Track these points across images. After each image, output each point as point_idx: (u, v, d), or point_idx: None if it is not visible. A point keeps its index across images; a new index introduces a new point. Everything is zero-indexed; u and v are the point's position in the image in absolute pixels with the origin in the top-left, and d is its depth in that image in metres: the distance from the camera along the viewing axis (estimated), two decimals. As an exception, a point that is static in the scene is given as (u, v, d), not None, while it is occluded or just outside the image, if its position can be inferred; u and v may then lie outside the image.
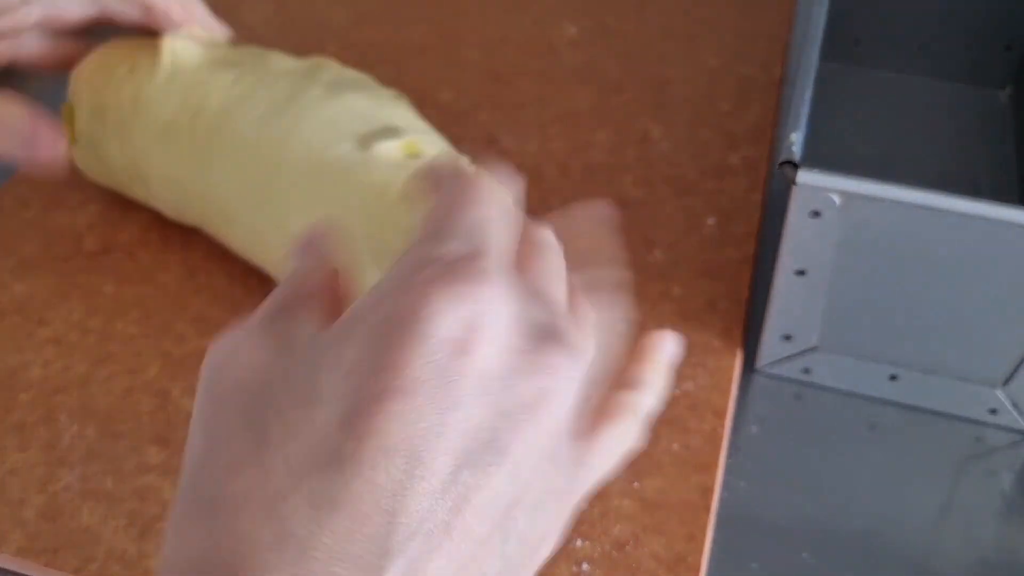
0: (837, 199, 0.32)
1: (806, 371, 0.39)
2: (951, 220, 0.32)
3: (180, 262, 0.42)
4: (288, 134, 0.37)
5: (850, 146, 0.49)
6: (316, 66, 0.40)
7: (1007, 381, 0.37)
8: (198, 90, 0.39)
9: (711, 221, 0.44)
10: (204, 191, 0.39)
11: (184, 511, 0.20)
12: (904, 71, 0.53)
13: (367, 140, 0.37)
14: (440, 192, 0.24)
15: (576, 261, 0.25)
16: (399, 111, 0.39)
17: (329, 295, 0.23)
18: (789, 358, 0.39)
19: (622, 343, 0.25)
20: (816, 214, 0.33)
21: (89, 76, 0.42)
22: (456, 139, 0.48)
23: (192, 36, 0.41)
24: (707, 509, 0.34)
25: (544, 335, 0.21)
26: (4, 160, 0.37)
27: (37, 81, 0.55)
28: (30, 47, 0.42)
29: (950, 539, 0.35)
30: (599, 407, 0.24)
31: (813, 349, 0.38)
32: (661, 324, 0.40)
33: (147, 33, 0.42)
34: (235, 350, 0.21)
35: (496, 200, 0.24)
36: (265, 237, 0.38)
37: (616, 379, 0.25)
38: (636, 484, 0.35)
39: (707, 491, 0.34)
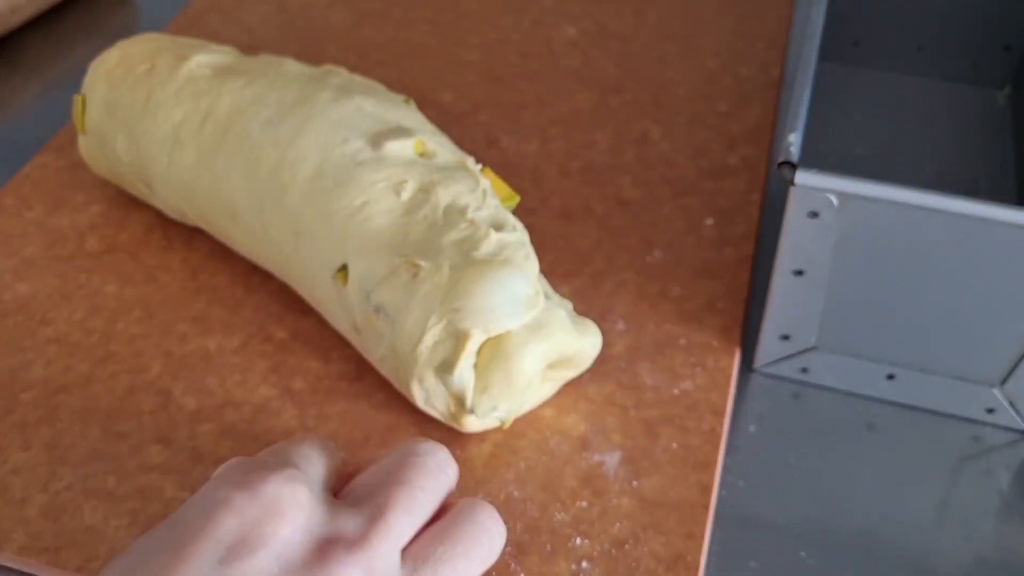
0: (835, 199, 0.33)
1: (804, 371, 0.39)
2: (949, 220, 0.32)
3: (182, 262, 0.43)
4: (297, 134, 0.37)
5: (848, 146, 0.49)
6: (326, 72, 0.41)
7: (1004, 380, 0.37)
8: (210, 95, 0.39)
9: (710, 221, 0.45)
10: (210, 190, 0.39)
11: None
12: (902, 71, 0.53)
13: (378, 139, 0.37)
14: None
15: None
16: (408, 113, 0.40)
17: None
18: (787, 358, 0.39)
19: None
20: (814, 214, 0.33)
21: (107, 70, 0.42)
22: (457, 140, 0.49)
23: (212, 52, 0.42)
24: (706, 508, 0.34)
25: (329, 540, 0.24)
26: None
27: (48, 68, 0.56)
28: None
29: (948, 538, 0.35)
30: None
31: (811, 349, 0.38)
32: (660, 324, 0.40)
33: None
34: None
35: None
36: (271, 236, 0.38)
37: None
38: (635, 483, 0.35)
39: (706, 490, 0.35)
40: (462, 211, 0.35)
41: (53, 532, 0.33)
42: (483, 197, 0.36)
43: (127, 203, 0.45)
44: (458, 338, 0.33)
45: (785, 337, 0.38)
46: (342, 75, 0.41)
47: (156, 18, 0.59)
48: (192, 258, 0.43)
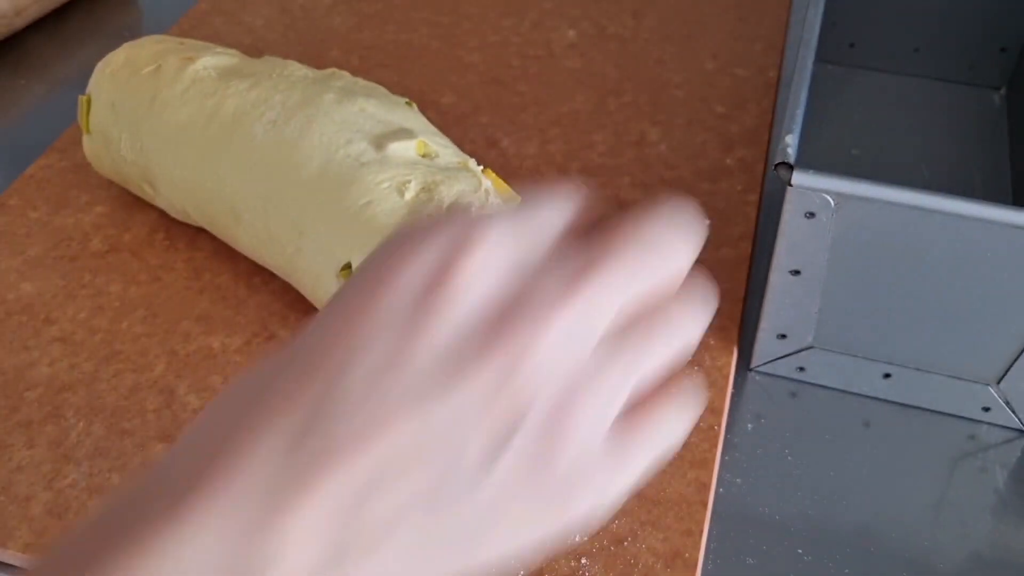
0: (832, 200, 0.33)
1: (801, 369, 0.40)
2: (945, 221, 0.32)
3: (185, 262, 0.43)
4: (301, 136, 0.38)
5: (845, 147, 0.50)
6: (330, 75, 0.41)
7: (1000, 379, 0.37)
8: (215, 96, 0.40)
9: (707, 222, 0.45)
10: (213, 191, 0.39)
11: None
12: (899, 73, 0.53)
13: (381, 141, 0.37)
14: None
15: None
16: (410, 115, 0.40)
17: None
18: (784, 357, 0.39)
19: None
20: (811, 215, 0.33)
21: (113, 71, 0.43)
22: (457, 141, 0.49)
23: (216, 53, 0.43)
24: (704, 505, 0.34)
25: (528, 293, 0.21)
26: None
27: (52, 70, 0.56)
28: None
29: (944, 535, 0.35)
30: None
31: (808, 348, 0.39)
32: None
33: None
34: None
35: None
36: (274, 236, 0.38)
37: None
38: (634, 480, 0.35)
39: (704, 487, 0.35)
40: (465, 210, 0.35)
41: (58, 529, 0.33)
42: (485, 197, 0.36)
43: (131, 204, 0.45)
44: None
45: (782, 336, 0.39)
46: (345, 78, 0.42)
47: (160, 20, 0.59)
48: (196, 258, 0.43)
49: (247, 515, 0.18)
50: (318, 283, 0.37)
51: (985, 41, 0.51)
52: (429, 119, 0.50)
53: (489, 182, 0.37)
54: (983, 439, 0.38)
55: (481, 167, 0.38)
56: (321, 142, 0.37)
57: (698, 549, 0.33)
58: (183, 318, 0.40)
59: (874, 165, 0.49)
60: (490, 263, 0.21)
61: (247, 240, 0.40)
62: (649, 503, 0.34)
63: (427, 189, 0.36)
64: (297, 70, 0.41)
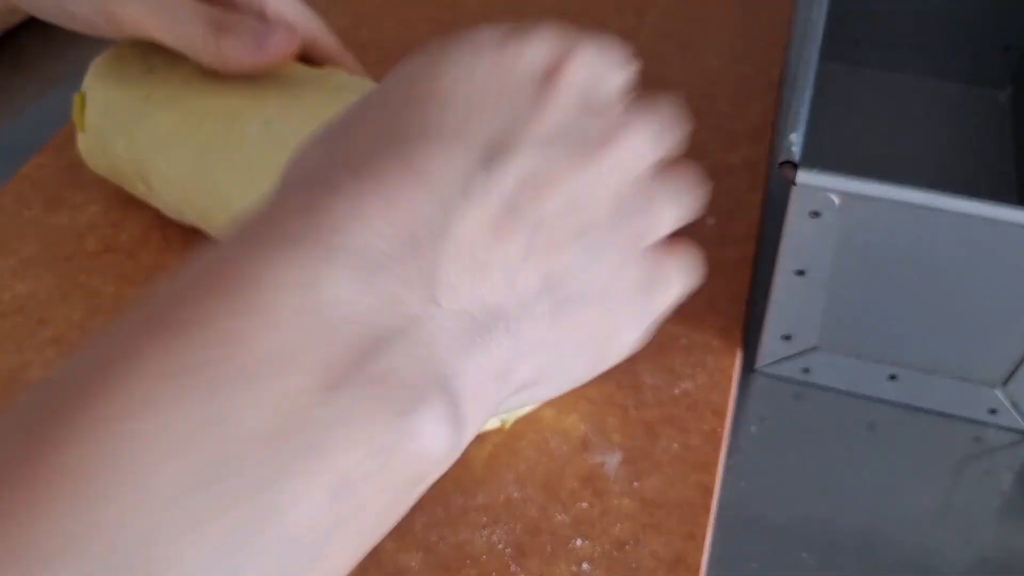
0: (836, 199, 0.33)
1: (806, 371, 0.39)
2: (950, 220, 0.32)
3: (181, 262, 0.42)
4: (295, 135, 0.37)
5: (850, 146, 0.49)
6: (326, 73, 0.41)
7: (1007, 381, 0.37)
8: (208, 96, 0.39)
9: (711, 221, 0.44)
10: (207, 190, 0.39)
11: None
12: (904, 71, 0.53)
13: None
14: None
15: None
16: None
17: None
18: (789, 358, 0.39)
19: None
20: (815, 214, 0.33)
21: (106, 70, 0.42)
22: (456, 139, 0.48)
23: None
24: (707, 509, 0.34)
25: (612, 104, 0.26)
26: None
27: (47, 68, 0.56)
28: None
29: (949, 539, 0.35)
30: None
31: (813, 349, 0.38)
32: (661, 323, 0.40)
33: None
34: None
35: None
36: None
37: None
38: (636, 483, 0.35)
39: (707, 490, 0.35)
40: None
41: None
42: None
43: (126, 203, 0.45)
44: None
45: (786, 337, 0.38)
46: (341, 76, 0.41)
47: (155, 17, 0.58)
48: (190, 258, 0.43)
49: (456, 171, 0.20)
50: None
51: (991, 39, 0.51)
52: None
53: None
54: (989, 441, 0.38)
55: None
56: None
57: (700, 553, 0.33)
58: (179, 319, 0.40)
59: (879, 164, 0.48)
60: (590, 66, 0.25)
61: None
62: (651, 506, 0.34)
63: None
64: (292, 69, 0.41)
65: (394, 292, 0.18)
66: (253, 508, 0.16)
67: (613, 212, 0.23)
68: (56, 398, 0.17)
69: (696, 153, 0.49)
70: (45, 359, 0.39)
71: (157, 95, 0.40)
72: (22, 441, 0.16)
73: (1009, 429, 0.38)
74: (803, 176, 0.32)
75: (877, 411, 0.39)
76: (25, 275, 0.42)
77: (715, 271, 0.42)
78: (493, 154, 0.21)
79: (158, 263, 0.42)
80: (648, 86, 0.52)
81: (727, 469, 0.37)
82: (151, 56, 0.42)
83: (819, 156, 0.34)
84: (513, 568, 0.32)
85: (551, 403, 0.37)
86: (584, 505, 0.34)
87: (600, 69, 0.26)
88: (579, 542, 0.33)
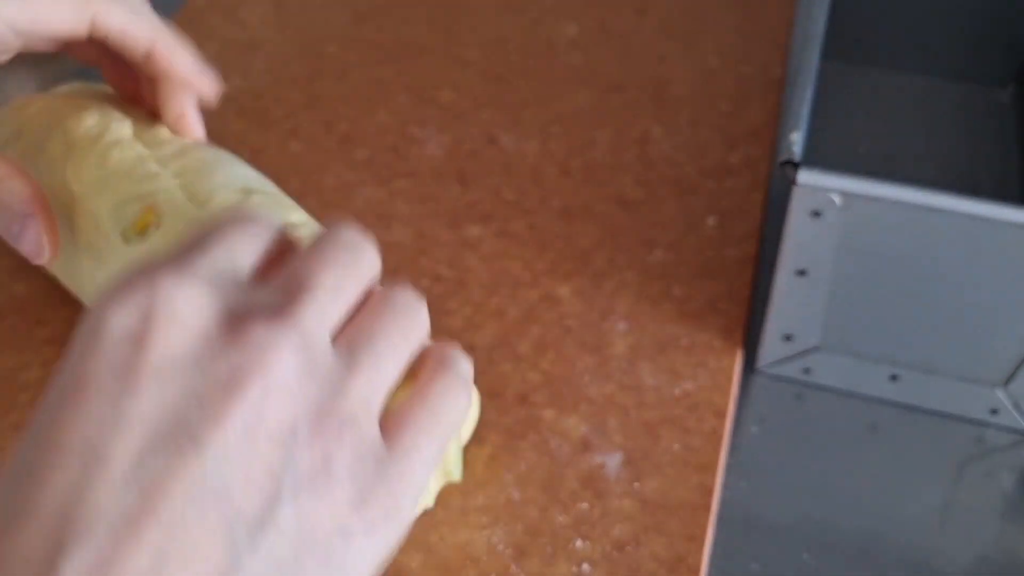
0: (838, 199, 0.32)
1: (806, 371, 0.39)
2: (952, 220, 0.32)
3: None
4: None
5: (851, 146, 0.49)
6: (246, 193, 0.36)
7: (1008, 381, 0.37)
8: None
9: (712, 221, 0.44)
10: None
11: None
12: (905, 70, 0.53)
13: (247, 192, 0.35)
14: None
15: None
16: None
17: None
18: (790, 358, 0.39)
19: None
20: (817, 214, 0.33)
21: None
22: (457, 139, 0.48)
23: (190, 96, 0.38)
24: (707, 509, 0.34)
25: (243, 315, 0.20)
26: None
27: (45, 67, 0.56)
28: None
29: (950, 539, 0.35)
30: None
31: (814, 349, 0.38)
32: (662, 324, 0.40)
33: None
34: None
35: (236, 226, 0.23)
36: None
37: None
38: (636, 484, 0.35)
39: (707, 491, 0.34)
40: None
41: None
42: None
43: (125, 202, 0.45)
44: None
45: (788, 337, 0.38)
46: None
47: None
48: None
49: None
50: None
51: (993, 38, 0.50)
52: (428, 116, 0.50)
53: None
54: (990, 442, 0.38)
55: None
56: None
57: (701, 554, 0.33)
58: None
59: (880, 163, 0.48)
60: (189, 311, 0.20)
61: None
62: (652, 507, 0.34)
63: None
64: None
65: None
66: None
67: (272, 470, 0.19)
68: None
69: (697, 153, 0.49)
70: (43, 359, 0.38)
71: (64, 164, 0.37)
72: None
73: (1010, 429, 0.38)
74: (804, 176, 0.32)
75: (878, 411, 0.39)
76: (23, 276, 0.42)
77: (716, 271, 0.42)
78: (74, 517, 0.18)
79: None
80: (649, 86, 0.52)
81: (728, 469, 0.37)
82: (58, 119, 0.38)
83: (820, 156, 0.34)
84: (513, 569, 0.32)
85: (551, 403, 0.37)
86: (584, 506, 0.34)
87: (196, 304, 0.20)
88: (579, 543, 0.33)
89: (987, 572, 0.34)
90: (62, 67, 0.46)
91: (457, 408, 0.24)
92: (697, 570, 0.32)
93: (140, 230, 0.34)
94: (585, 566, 0.32)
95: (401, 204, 0.45)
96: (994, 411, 0.38)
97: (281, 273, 0.23)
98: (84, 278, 0.36)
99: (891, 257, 0.34)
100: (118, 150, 0.35)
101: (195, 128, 0.37)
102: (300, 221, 0.35)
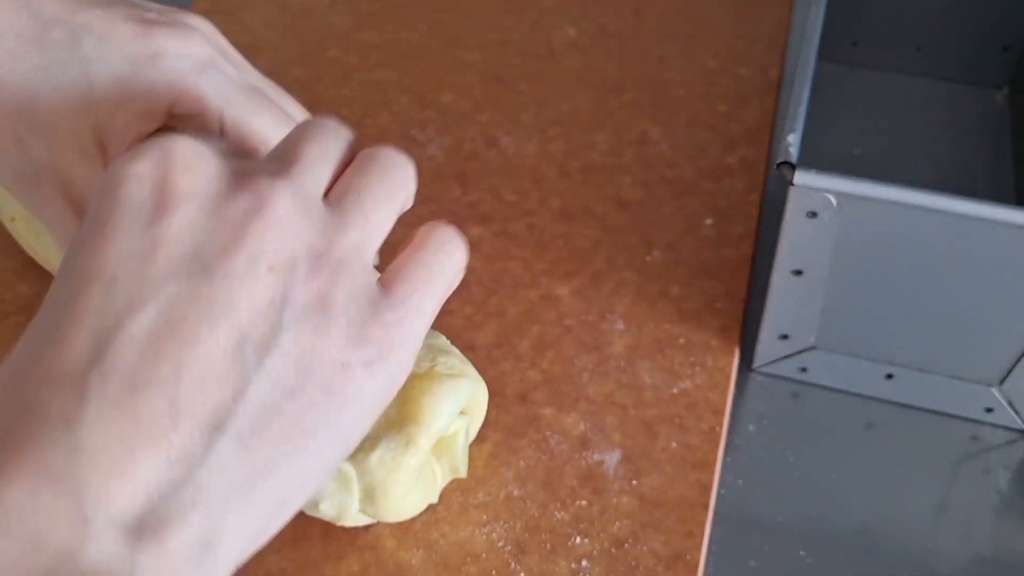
0: (834, 199, 0.33)
1: (803, 370, 0.40)
2: (948, 220, 0.32)
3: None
4: None
5: (847, 147, 0.50)
6: None
7: (1003, 380, 0.37)
8: None
9: (709, 221, 0.45)
10: None
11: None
12: (901, 72, 0.53)
13: None
14: None
15: None
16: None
17: None
18: (786, 357, 0.39)
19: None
20: (813, 214, 0.33)
21: None
22: (457, 140, 0.49)
23: None
24: (705, 507, 0.34)
25: (246, 172, 0.23)
26: None
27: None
28: None
29: (946, 537, 0.35)
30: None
31: (810, 348, 0.39)
32: (660, 323, 0.40)
33: None
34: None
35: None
36: None
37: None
38: (635, 482, 0.35)
39: (705, 489, 0.35)
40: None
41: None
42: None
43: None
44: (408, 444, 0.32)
45: (784, 337, 0.38)
46: None
47: (157, 19, 0.58)
48: None
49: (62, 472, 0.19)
50: None
51: (988, 40, 0.51)
52: (428, 118, 0.50)
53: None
54: (986, 440, 0.38)
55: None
56: None
57: (699, 551, 0.33)
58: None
59: (876, 164, 0.48)
60: (200, 164, 0.22)
61: None
62: (650, 505, 0.34)
63: None
64: None
65: (37, 530, 0.18)
66: None
67: (273, 298, 0.21)
68: None
69: (695, 154, 0.49)
70: (48, 358, 0.39)
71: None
72: None
73: (1006, 428, 0.39)
74: (801, 177, 0.33)
75: (874, 410, 0.39)
76: (27, 275, 0.42)
77: (714, 271, 0.43)
78: (95, 349, 0.20)
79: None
80: (647, 88, 0.53)
81: (725, 467, 0.37)
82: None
83: (817, 157, 0.34)
84: (513, 565, 0.33)
85: (551, 402, 0.37)
86: (583, 503, 0.34)
87: (207, 161, 0.23)
88: (578, 540, 0.33)
89: (982, 569, 0.34)
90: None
91: (452, 263, 0.25)
92: (695, 567, 0.33)
93: None
94: (584, 563, 0.33)
95: (402, 205, 0.45)
96: (989, 409, 0.38)
97: (272, 151, 0.25)
98: None
99: (887, 257, 0.34)
100: None
101: None
102: None
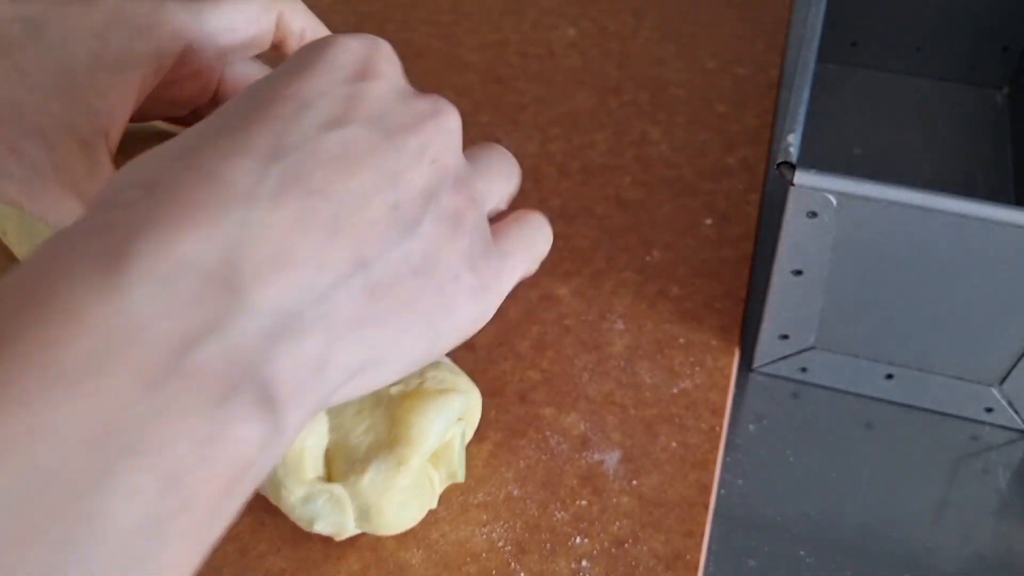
0: (834, 200, 0.33)
1: (803, 370, 0.40)
2: (948, 220, 0.32)
3: None
4: None
5: (847, 147, 0.50)
6: None
7: (1003, 380, 0.37)
8: None
9: (709, 221, 0.45)
10: None
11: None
12: (901, 72, 0.53)
13: None
14: None
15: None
16: None
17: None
18: (786, 357, 0.39)
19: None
20: (813, 214, 0.33)
21: None
22: (456, 140, 0.49)
23: None
24: (705, 507, 0.34)
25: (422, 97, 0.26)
26: None
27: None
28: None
29: (946, 537, 0.35)
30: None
31: (810, 348, 0.39)
32: (659, 323, 0.40)
33: None
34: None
35: None
36: None
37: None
38: (635, 482, 0.35)
39: (705, 489, 0.35)
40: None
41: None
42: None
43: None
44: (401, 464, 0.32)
45: (784, 337, 0.38)
46: None
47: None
48: None
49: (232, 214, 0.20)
50: None
51: (988, 40, 0.51)
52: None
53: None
54: (986, 440, 0.38)
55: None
56: None
57: (699, 551, 0.33)
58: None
59: (876, 164, 0.49)
60: (397, 62, 0.26)
61: None
62: (650, 505, 0.34)
63: None
64: None
65: (197, 292, 0.19)
66: (81, 513, 0.16)
67: (428, 187, 0.24)
68: None
69: (694, 154, 0.49)
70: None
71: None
72: None
73: (1006, 427, 0.39)
74: (800, 177, 0.33)
75: (874, 410, 0.39)
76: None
77: (713, 271, 0.43)
78: (283, 146, 0.21)
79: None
80: (647, 88, 0.53)
81: (725, 467, 0.37)
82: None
83: (817, 157, 0.34)
84: (513, 565, 0.33)
85: (551, 402, 0.37)
86: (583, 503, 0.34)
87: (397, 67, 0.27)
88: (578, 540, 0.33)
89: (982, 569, 0.34)
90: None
91: (544, 241, 0.29)
92: (695, 566, 0.33)
93: None
94: (584, 562, 0.33)
95: (402, 205, 0.45)
96: (989, 409, 0.38)
97: None
98: None
99: (887, 257, 0.34)
100: None
101: None
102: None
